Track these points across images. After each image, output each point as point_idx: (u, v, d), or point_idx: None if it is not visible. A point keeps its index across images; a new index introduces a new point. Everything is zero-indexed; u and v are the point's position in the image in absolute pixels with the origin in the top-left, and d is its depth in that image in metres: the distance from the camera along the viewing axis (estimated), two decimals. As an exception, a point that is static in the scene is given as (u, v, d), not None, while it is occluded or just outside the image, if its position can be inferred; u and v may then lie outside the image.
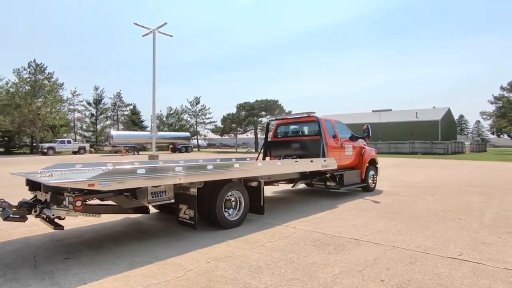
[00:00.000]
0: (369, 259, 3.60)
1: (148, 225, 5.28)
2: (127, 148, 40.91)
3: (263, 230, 4.88)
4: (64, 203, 3.45)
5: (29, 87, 38.12)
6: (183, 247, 4.00)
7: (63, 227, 3.70)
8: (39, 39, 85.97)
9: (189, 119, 64.76)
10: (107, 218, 5.38)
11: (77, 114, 53.71)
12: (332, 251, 3.88)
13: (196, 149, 57.71)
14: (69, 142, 38.50)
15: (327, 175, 7.86)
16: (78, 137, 55.02)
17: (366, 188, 8.92)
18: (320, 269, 3.28)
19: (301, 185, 8.19)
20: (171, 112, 68.16)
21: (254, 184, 5.45)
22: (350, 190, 9.16)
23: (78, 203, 3.35)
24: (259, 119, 66.56)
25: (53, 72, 40.85)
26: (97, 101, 57.78)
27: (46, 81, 39.73)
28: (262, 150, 9.12)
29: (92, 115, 57.63)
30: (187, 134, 51.78)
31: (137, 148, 41.31)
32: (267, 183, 6.82)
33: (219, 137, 70.86)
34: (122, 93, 61.26)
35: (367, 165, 9.05)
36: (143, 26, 22.02)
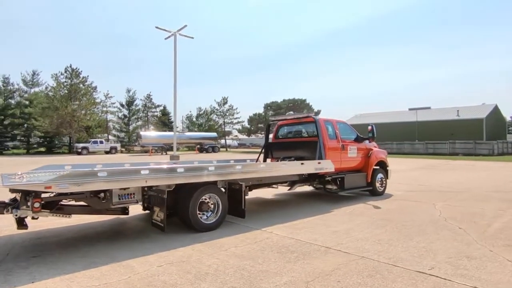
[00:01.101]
0: (327, 269, 3.45)
1: (129, 226, 5.48)
2: (156, 148, 42.66)
3: (238, 234, 4.86)
4: (28, 204, 3.69)
5: (66, 91, 41.17)
6: (147, 249, 4.10)
7: (27, 227, 3.96)
8: (74, 45, 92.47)
9: (217, 119, 66.00)
10: (95, 218, 5.67)
11: (110, 116, 56.86)
12: (293, 259, 3.77)
13: (224, 149, 58.72)
14: (101, 142, 41.01)
15: (327, 178, 7.66)
16: (112, 138, 58.33)
17: (373, 192, 8.54)
18: (267, 278, 3.21)
19: (299, 188, 8.04)
20: (200, 113, 69.98)
21: (234, 187, 5.45)
22: (353, 193, 8.83)
23: (36, 205, 3.59)
24: (287, 118, 66.38)
25: (87, 76, 43.87)
26: (129, 103, 60.90)
27: (81, 85, 42.67)
28: (263, 152, 9.07)
29: (125, 116, 60.84)
30: (214, 134, 52.79)
31: (165, 148, 42.85)
32: (259, 186, 6.78)
33: (247, 137, 71.54)
34: (152, 95, 63.80)
35: (375, 167, 8.67)
36: (164, 29, 22.83)
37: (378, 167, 8.90)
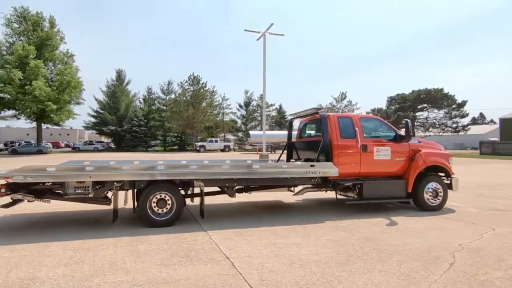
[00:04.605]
0: (179, 277, 3.36)
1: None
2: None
3: (176, 233, 5.07)
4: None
5: (189, 97, 48.95)
6: (88, 236, 4.87)
7: (7, 207, 5.32)
8: (197, 56, 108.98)
9: (334, 116, 64.42)
10: (97, 208, 6.93)
11: (227, 117, 63.68)
12: (174, 263, 3.79)
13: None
14: (216, 141, 46.69)
15: (347, 184, 6.84)
16: (232, 137, 65.28)
17: (419, 204, 7.04)
18: (110, 276, 3.41)
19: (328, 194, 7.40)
20: None
21: (192, 186, 5.70)
22: (393, 205, 7.48)
23: (2, 190, 4.88)
24: (417, 113, 58.14)
25: (206, 81, 50.85)
26: (247, 104, 66.66)
27: (201, 90, 49.84)
28: (286, 151, 8.75)
29: (243, 116, 66.98)
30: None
31: (273, 146, 45.01)
32: (260, 188, 6.67)
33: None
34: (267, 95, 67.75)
35: (422, 173, 7.10)
36: (253, 31, 24.27)
37: (431, 174, 7.23)
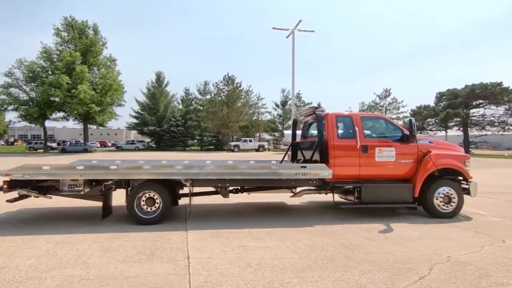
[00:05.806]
0: (131, 274, 3.54)
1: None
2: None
3: (157, 231, 5.28)
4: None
5: (224, 97, 50.03)
6: (75, 230, 5.29)
7: (11, 202, 5.88)
8: (231, 57, 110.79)
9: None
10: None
11: (263, 116, 63.89)
12: (135, 260, 3.98)
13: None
14: (250, 141, 47.14)
15: (347, 187, 6.66)
16: (269, 137, 65.38)
17: (429, 211, 6.64)
18: (62, 270, 3.69)
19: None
20: (364, 108, 67.91)
21: (179, 186, 5.88)
22: (405, 211, 7.07)
23: (5, 186, 5.44)
24: (471, 110, 53.51)
25: (241, 81, 51.65)
26: (284, 103, 66.38)
27: (236, 90, 50.67)
28: (289, 152, 8.64)
29: (280, 115, 66.81)
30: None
31: (308, 146, 44.42)
32: (258, 189, 6.72)
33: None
34: (302, 93, 66.85)
35: (436, 177, 6.65)
36: (281, 29, 24.18)
37: (447, 178, 6.74)
